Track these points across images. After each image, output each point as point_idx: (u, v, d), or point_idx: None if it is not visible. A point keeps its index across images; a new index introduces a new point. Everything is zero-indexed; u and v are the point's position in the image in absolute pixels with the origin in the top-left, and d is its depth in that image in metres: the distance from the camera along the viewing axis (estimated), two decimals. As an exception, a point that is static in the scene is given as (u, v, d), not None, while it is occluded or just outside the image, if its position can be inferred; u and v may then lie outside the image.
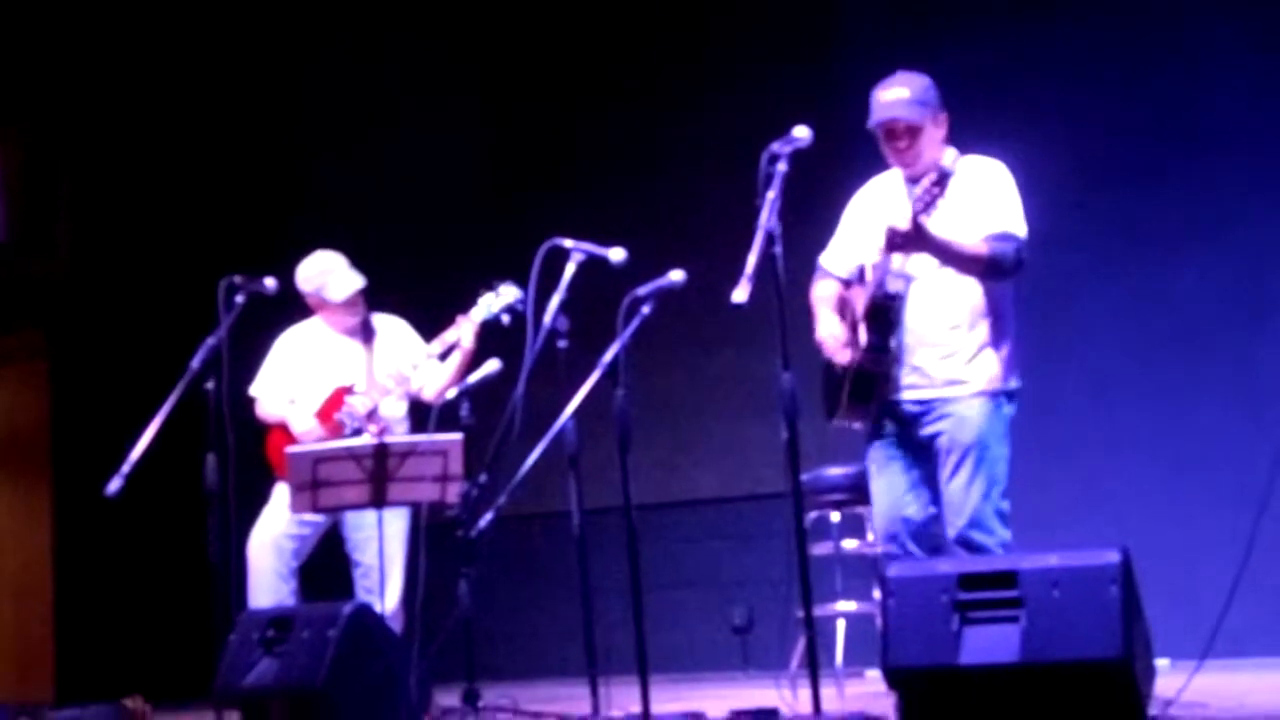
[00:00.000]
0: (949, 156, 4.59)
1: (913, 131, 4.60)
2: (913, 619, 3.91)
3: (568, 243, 4.87)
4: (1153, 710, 3.93)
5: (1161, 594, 4.40)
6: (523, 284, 5.04)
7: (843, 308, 4.73)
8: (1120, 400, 6.69)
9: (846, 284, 4.76)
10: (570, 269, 4.86)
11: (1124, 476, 6.60)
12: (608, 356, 4.57)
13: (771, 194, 4.29)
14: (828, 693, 4.35)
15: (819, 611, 4.44)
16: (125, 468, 5.22)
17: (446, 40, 8.62)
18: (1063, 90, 6.89)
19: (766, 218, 4.25)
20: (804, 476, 4.53)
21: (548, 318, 4.78)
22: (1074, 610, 3.72)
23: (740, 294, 4.86)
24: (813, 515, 6.05)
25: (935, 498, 4.60)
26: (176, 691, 6.92)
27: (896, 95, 4.60)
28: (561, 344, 4.77)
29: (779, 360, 4.26)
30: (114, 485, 5.20)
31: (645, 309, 4.63)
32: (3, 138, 8.85)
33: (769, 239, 4.28)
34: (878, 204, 4.72)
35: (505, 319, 5.63)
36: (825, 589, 4.83)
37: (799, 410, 4.25)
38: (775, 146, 4.38)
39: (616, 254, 4.88)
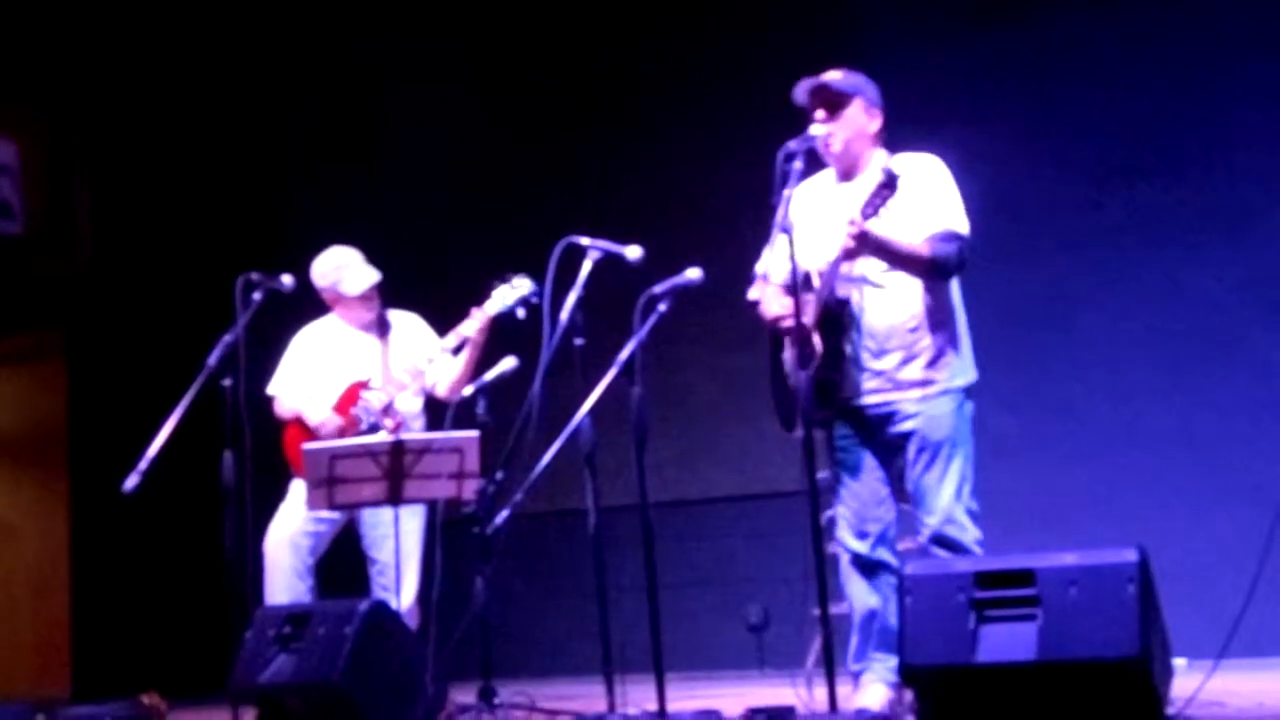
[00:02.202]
0: (880, 157, 4.59)
1: (835, 103, 4.62)
2: (929, 617, 3.90)
3: (584, 240, 4.86)
4: (1170, 710, 3.92)
5: (1179, 593, 4.38)
6: (539, 281, 5.04)
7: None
8: (1138, 399, 6.66)
9: (784, 289, 4.73)
10: (587, 266, 4.85)
11: (1142, 475, 6.58)
12: (624, 354, 4.56)
13: (787, 192, 4.28)
14: (844, 691, 4.34)
15: (835, 610, 4.42)
16: (142, 465, 5.22)
17: (459, 36, 8.62)
18: (1082, 87, 6.86)
19: (782, 215, 4.25)
20: (820, 475, 4.52)
21: (564, 315, 4.77)
22: (1091, 609, 3.71)
23: (757, 291, 4.87)
24: (828, 514, 6.03)
25: (896, 502, 4.70)
26: (193, 688, 6.93)
27: (830, 73, 4.67)
28: (578, 341, 4.76)
29: (795, 358, 4.26)
30: (131, 482, 5.21)
31: (662, 307, 4.63)
32: (23, 136, 8.86)
33: (785, 235, 4.27)
34: (810, 208, 4.65)
35: (520, 312, 5.63)
36: (841, 587, 4.82)
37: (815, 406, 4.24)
38: (791, 144, 4.38)
39: (633, 251, 4.87)
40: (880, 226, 4.40)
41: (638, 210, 7.53)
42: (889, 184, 4.31)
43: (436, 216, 8.50)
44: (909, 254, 4.51)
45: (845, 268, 4.51)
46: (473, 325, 5.73)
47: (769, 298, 4.78)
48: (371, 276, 5.97)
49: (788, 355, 4.74)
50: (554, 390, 4.73)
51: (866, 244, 4.40)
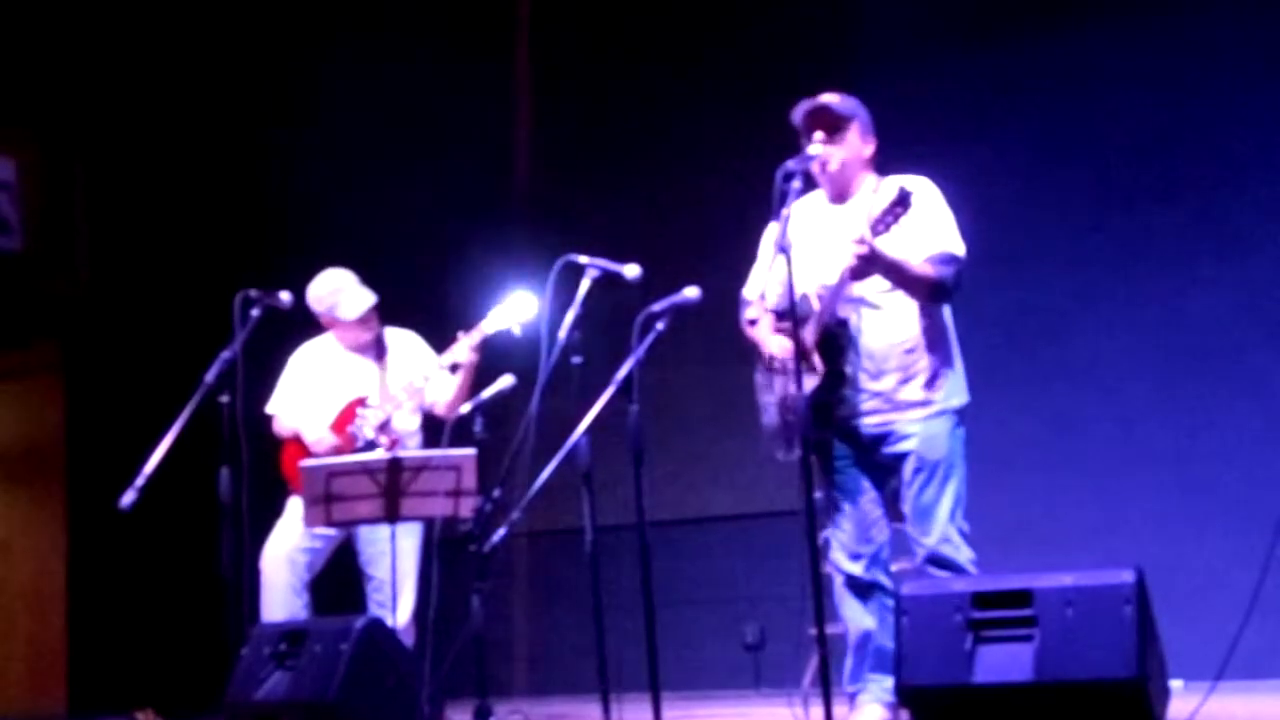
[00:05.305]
0: (872, 181, 4.59)
1: (834, 125, 4.62)
2: (926, 637, 3.90)
3: (583, 259, 4.87)
4: (1167, 731, 3.92)
5: (1176, 614, 4.38)
6: (536, 299, 5.04)
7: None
8: (1137, 419, 6.66)
9: (776, 314, 4.73)
10: (585, 285, 4.85)
11: (1140, 496, 6.57)
12: (622, 373, 4.56)
13: (786, 211, 4.28)
14: (840, 711, 4.34)
15: (832, 630, 4.42)
16: (139, 481, 5.22)
17: (459, 55, 8.63)
18: (1082, 108, 6.87)
19: (781, 235, 4.25)
20: (817, 494, 4.52)
21: (562, 333, 4.77)
22: (1088, 630, 3.71)
23: (755, 311, 4.87)
24: (825, 533, 6.03)
25: (890, 522, 4.69)
26: (188, 705, 6.91)
27: (828, 96, 4.68)
28: (576, 360, 4.76)
29: (794, 378, 4.26)
30: (128, 498, 5.20)
31: (660, 325, 4.63)
32: (21, 152, 8.87)
33: (784, 256, 4.27)
34: (802, 230, 4.62)
35: (516, 329, 5.64)
36: (838, 607, 4.81)
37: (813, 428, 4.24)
38: (791, 164, 4.38)
39: (631, 270, 4.88)
40: (887, 245, 4.40)
41: (636, 228, 7.53)
42: (902, 202, 4.31)
43: (434, 233, 8.50)
44: (915, 275, 4.51)
45: (849, 288, 4.51)
46: (467, 344, 5.74)
47: (765, 321, 4.78)
48: (367, 300, 5.96)
49: (766, 387, 4.75)
50: (551, 408, 4.73)
51: (875, 263, 4.40)
